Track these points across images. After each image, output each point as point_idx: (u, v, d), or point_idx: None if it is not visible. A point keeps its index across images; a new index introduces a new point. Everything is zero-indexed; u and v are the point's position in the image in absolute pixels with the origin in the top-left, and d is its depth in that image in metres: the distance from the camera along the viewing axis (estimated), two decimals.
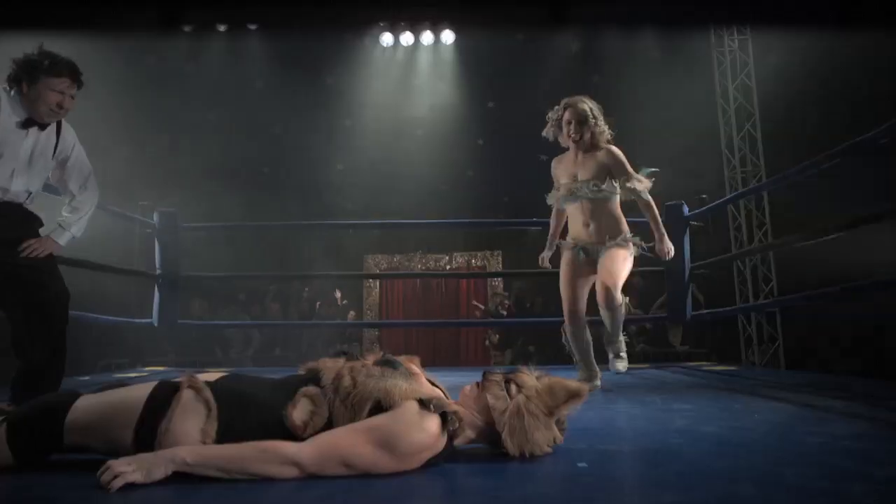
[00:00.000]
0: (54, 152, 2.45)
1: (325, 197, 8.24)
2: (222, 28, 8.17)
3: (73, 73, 2.35)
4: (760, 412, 2.15)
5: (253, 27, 8.15)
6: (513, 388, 1.48)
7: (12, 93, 2.32)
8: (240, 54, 8.29)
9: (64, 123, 2.50)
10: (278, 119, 8.34)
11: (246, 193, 7.69)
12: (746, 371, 4.53)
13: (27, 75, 2.30)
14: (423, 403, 1.36)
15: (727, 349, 6.93)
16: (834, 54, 5.67)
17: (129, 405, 1.34)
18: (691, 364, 4.77)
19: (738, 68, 7.79)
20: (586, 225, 3.03)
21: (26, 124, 2.33)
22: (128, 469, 1.19)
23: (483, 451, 1.52)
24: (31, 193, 2.43)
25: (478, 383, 1.53)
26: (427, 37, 8.32)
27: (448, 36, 8.27)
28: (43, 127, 2.39)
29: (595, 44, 8.45)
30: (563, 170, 3.14)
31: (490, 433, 1.48)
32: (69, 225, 2.51)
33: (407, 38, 8.43)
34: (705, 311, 4.59)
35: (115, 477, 1.18)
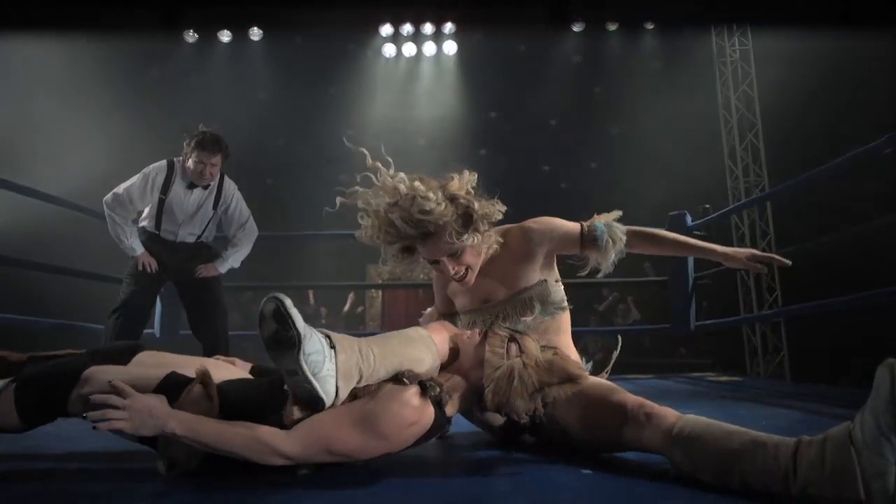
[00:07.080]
0: (215, 205, 3.17)
1: (328, 207, 8.25)
2: (225, 38, 8.24)
3: (212, 146, 2.98)
4: (766, 419, 2.14)
5: (256, 38, 8.22)
6: (514, 348, 1.47)
7: (179, 165, 3.07)
8: (243, 65, 8.35)
9: (226, 180, 3.22)
10: (281, 130, 8.38)
11: (249, 204, 7.69)
12: (751, 381, 4.51)
13: (187, 151, 3.02)
14: (397, 378, 1.36)
15: (731, 360, 6.91)
16: (836, 63, 5.70)
17: (141, 384, 1.33)
18: (695, 374, 4.75)
19: (739, 78, 7.82)
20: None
21: (190, 186, 3.09)
22: (119, 416, 1.19)
23: (487, 456, 1.51)
24: (197, 236, 3.19)
25: (480, 332, 1.52)
26: (429, 47, 8.38)
27: (450, 46, 8.33)
28: (206, 187, 3.11)
29: (597, 55, 8.51)
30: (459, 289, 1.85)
31: (475, 393, 1.46)
32: (227, 257, 3.28)
33: (409, 48, 8.50)
34: (709, 321, 4.57)
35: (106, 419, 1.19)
